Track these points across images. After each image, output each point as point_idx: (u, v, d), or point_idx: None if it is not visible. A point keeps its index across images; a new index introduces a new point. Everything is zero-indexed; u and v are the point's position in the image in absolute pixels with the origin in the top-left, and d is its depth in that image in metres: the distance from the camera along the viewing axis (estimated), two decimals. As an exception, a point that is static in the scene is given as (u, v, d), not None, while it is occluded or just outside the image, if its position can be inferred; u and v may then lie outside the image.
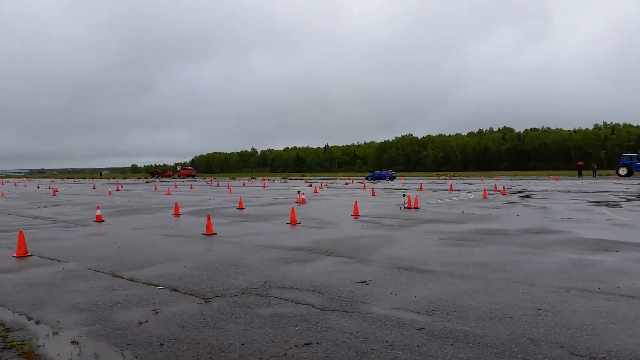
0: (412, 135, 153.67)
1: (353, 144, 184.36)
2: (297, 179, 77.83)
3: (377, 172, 66.83)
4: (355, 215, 16.82)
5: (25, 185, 62.60)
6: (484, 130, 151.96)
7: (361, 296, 6.41)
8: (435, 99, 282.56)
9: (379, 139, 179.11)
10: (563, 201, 22.12)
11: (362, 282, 7.19)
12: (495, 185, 36.16)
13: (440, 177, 71.79)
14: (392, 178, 62.40)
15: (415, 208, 19.03)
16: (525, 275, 7.44)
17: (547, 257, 8.94)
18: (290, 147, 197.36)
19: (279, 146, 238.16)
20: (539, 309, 5.69)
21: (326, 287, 6.89)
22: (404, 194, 21.88)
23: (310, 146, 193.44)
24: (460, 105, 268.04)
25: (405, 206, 19.67)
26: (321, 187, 41.67)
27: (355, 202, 18.27)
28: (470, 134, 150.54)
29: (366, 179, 66.33)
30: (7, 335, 5.05)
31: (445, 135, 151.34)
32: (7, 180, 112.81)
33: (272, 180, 71.03)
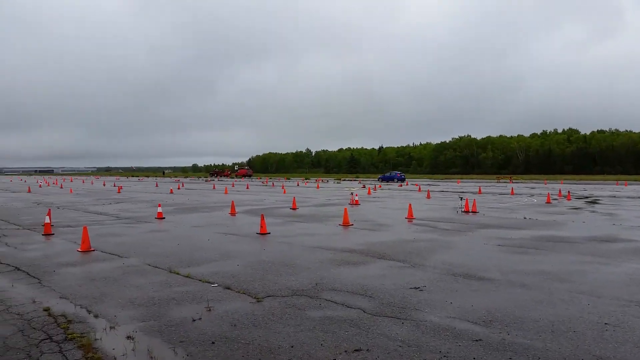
0: (470, 136, 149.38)
1: (408, 145, 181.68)
2: (350, 180, 77.67)
3: (387, 174, 70.05)
4: (410, 218, 16.50)
5: (92, 183, 66.12)
6: (548, 131, 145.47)
7: (414, 303, 6.22)
8: (496, 99, 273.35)
9: (435, 140, 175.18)
10: (632, 208, 20.74)
11: (415, 287, 6.99)
12: (560, 190, 34.49)
13: (501, 180, 69.40)
14: (401, 180, 64.80)
15: (474, 212, 18.43)
16: (591, 286, 6.98)
17: (616, 267, 8.36)
18: (344, 148, 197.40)
19: (333, 147, 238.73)
20: (606, 324, 5.30)
21: (378, 292, 6.75)
22: (462, 197, 21.24)
23: (364, 147, 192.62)
24: (523, 105, 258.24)
25: (463, 210, 19.09)
26: (375, 189, 41.33)
27: (410, 204, 17.92)
28: (533, 135, 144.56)
29: (378, 180, 70.05)
30: (68, 327, 5.27)
31: (506, 137, 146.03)
32: (75, 177, 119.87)
33: (325, 181, 71.25)
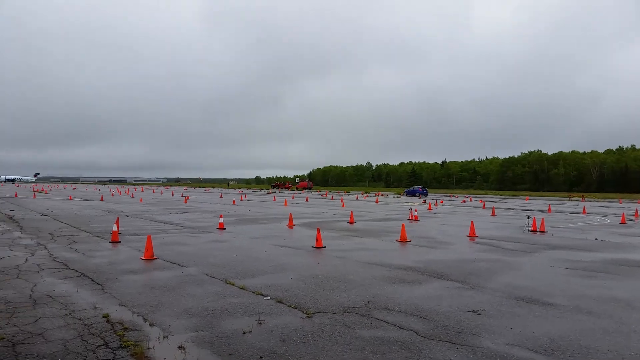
0: (540, 151, 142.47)
1: (473, 159, 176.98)
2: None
3: (411, 189, 74.30)
4: (472, 236, 15.92)
5: (161, 193, 69.13)
6: (624, 147, 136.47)
7: (471, 327, 5.93)
8: (569, 112, 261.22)
9: (502, 154, 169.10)
10: None
11: (473, 311, 6.67)
12: (637, 210, 32.12)
13: (573, 199, 65.75)
14: (423, 194, 68.52)
15: (541, 232, 17.51)
16: (673, 319, 6.36)
17: (703, 298, 7.59)
18: (405, 162, 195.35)
19: (394, 161, 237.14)
20: (689, 362, 4.79)
21: (433, 313, 6.50)
22: (529, 216, 20.23)
23: (426, 161, 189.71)
24: (597, 119, 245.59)
25: (530, 229, 18.19)
26: (436, 204, 40.36)
27: (472, 221, 17.30)
28: (608, 151, 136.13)
29: (404, 194, 73.78)
30: (124, 334, 5.44)
31: (579, 152, 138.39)
32: (146, 187, 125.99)
33: (385, 195, 70.51)
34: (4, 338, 5.16)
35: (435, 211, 30.80)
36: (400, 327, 5.87)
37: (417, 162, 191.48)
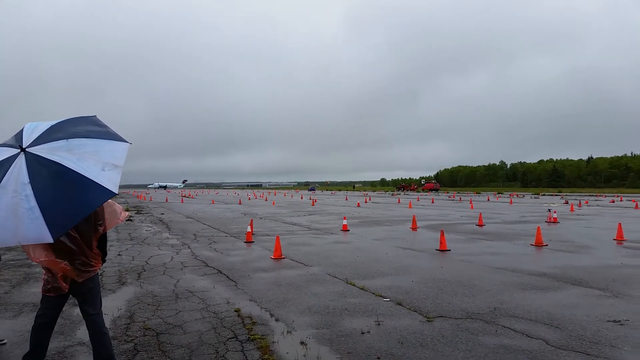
0: None
1: (625, 154, 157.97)
2: (551, 195, 70.55)
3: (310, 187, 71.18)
4: (619, 239, 14.27)
5: (291, 196, 72.33)
6: None
7: (611, 338, 5.36)
8: None
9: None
10: None
11: (615, 321, 6.01)
12: None
13: None
14: (312, 190, 61.41)
15: None
16: None
17: None
18: (545, 160, 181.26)
19: (531, 159, 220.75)
20: None
21: (567, 322, 5.98)
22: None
23: (569, 158, 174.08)
24: None
25: (693, 232, 15.78)
26: (579, 205, 36.78)
27: (619, 223, 15.49)
28: None
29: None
30: (252, 328, 5.84)
31: None
32: (279, 191, 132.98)
33: (521, 196, 66.01)
34: (149, 328, 5.85)
35: (578, 212, 28.13)
36: (528, 336, 5.50)
37: (558, 159, 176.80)
